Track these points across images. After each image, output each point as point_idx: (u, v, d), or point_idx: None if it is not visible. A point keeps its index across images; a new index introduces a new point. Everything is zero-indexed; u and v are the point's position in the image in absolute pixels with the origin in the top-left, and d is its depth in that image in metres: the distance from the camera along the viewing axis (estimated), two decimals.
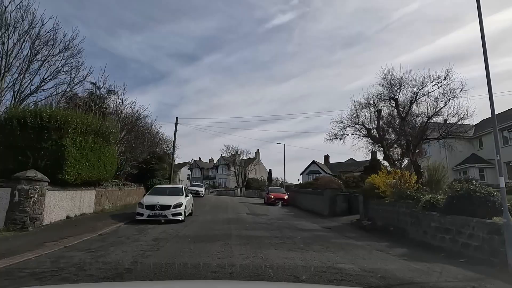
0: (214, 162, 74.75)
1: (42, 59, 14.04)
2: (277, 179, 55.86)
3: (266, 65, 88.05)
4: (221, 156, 68.86)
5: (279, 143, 40.93)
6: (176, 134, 30.72)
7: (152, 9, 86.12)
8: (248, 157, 65.09)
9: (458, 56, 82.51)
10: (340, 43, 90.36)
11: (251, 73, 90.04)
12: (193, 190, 34.13)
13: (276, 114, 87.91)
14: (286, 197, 25.92)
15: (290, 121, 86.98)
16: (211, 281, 4.24)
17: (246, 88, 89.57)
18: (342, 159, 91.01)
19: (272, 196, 25.63)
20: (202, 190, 34.90)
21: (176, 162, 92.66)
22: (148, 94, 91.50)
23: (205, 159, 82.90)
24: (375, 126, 16.98)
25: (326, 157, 66.50)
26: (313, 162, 62.52)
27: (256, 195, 45.61)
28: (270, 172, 54.48)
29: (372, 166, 47.16)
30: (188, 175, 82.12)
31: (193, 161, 79.37)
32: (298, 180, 55.33)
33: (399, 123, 15.87)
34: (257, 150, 70.26)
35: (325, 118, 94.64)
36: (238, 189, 51.88)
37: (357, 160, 66.38)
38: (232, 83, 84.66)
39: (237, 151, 62.84)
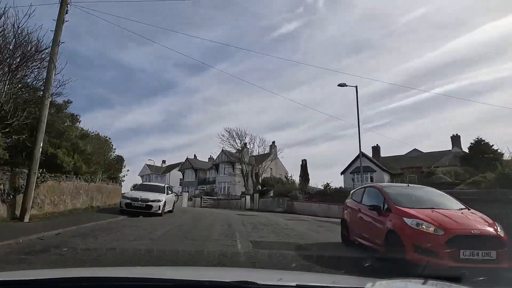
0: (215, 160, 53.98)
1: None
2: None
3: (273, 73, 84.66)
4: (222, 150, 47.89)
5: (343, 85, 18.70)
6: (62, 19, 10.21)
7: (159, 21, 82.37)
8: (263, 152, 44.05)
9: (467, 60, 75.06)
10: (346, 50, 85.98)
11: (258, 81, 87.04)
12: (134, 201, 13.70)
13: (283, 121, 79.25)
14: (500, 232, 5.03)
15: (298, 128, 79.34)
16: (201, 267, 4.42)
17: (253, 96, 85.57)
18: (398, 151, 74.48)
19: (433, 229, 4.87)
20: (160, 199, 14.34)
21: (167, 164, 72.89)
22: (157, 104, 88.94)
23: (204, 158, 62.36)
24: None
25: (375, 149, 45.22)
26: (361, 153, 41.33)
27: (281, 207, 24.85)
28: (305, 165, 32.84)
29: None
30: (181, 179, 61.60)
31: (185, 160, 58.85)
32: (352, 180, 34.28)
33: None
34: (273, 142, 48.59)
35: (333, 125, 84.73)
36: (247, 197, 31.23)
37: (424, 151, 45.35)
38: (239, 91, 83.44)
39: (245, 144, 42.01)
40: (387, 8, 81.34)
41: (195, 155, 61.83)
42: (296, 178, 30.32)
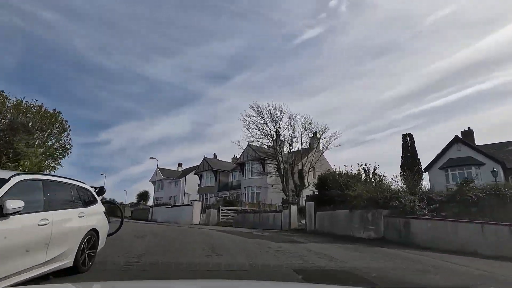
0: (238, 158, 41.82)
1: None
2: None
3: (295, 79, 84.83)
4: (248, 145, 35.44)
5: None
6: None
7: (182, 33, 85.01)
8: (306, 141, 30.95)
9: (498, 59, 68.58)
10: (370, 53, 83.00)
11: (281, 88, 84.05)
12: None
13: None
14: None
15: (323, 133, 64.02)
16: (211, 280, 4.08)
17: (277, 103, 72.31)
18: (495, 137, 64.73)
19: None
20: None
21: (184, 167, 61.46)
22: (184, 115, 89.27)
23: (227, 158, 50.50)
24: None
25: (467, 134, 30.77)
26: (456, 139, 27.59)
27: (370, 229, 12.20)
28: (411, 145, 18.21)
29: None
30: (198, 184, 49.92)
31: (203, 160, 47.29)
32: (445, 178, 20.87)
33: None
34: (315, 133, 35.16)
35: (357, 130, 76.89)
36: (293, 208, 18.95)
37: None
38: (262, 99, 77.13)
39: (279, 135, 29.29)
40: (411, 9, 75.25)
41: (214, 154, 50.12)
42: (387, 171, 16.75)
